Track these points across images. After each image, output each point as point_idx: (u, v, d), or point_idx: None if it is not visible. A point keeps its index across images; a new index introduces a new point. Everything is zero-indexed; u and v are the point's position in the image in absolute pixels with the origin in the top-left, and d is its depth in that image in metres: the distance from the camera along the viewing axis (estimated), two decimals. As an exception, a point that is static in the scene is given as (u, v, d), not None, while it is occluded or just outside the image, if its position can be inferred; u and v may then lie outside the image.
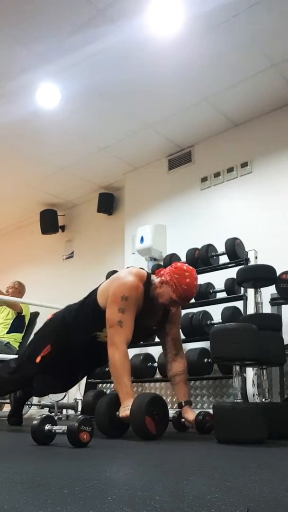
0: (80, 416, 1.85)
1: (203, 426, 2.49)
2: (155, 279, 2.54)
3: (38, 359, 2.63)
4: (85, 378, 4.14)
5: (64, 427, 1.84)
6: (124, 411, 2.21)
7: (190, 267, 2.55)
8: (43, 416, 1.93)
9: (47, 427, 1.89)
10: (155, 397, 2.26)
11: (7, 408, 5.00)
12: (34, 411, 5.18)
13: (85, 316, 2.62)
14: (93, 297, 2.62)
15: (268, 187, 4.07)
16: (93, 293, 2.66)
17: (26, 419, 3.40)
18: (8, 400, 4.67)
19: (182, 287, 2.43)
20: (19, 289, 5.41)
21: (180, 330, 3.64)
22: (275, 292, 3.31)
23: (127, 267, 2.63)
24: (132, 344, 2.63)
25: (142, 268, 2.69)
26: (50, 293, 5.82)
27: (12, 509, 0.83)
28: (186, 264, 2.58)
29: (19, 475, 1.24)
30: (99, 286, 2.68)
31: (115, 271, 4.41)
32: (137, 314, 2.46)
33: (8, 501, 0.89)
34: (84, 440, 1.81)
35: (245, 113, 4.21)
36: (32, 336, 3.12)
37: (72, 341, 2.64)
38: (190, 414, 2.55)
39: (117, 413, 2.26)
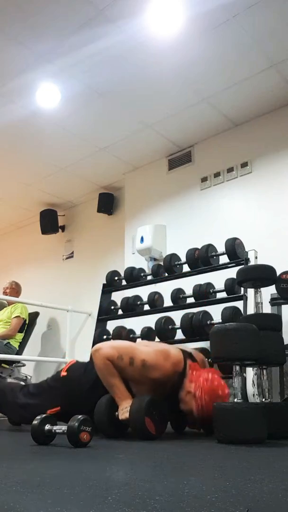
0: (80, 416, 1.85)
1: None
2: (188, 374, 2.44)
3: (48, 412, 2.48)
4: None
5: (64, 427, 1.84)
6: (123, 413, 2.21)
7: (225, 391, 2.41)
8: (43, 416, 1.93)
9: (47, 427, 1.89)
10: (154, 398, 2.26)
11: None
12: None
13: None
14: None
15: (268, 187, 4.07)
16: None
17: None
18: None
19: (208, 410, 2.29)
20: (16, 289, 5.41)
21: (182, 332, 3.66)
22: (275, 292, 3.31)
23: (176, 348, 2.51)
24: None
25: (182, 350, 2.60)
26: (50, 293, 5.82)
27: (11, 509, 0.83)
28: (222, 384, 2.44)
29: (19, 475, 1.24)
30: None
31: (115, 271, 4.43)
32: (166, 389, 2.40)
33: (8, 501, 0.89)
34: (84, 440, 1.81)
35: (245, 113, 4.21)
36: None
37: (83, 407, 2.44)
38: None
39: (116, 413, 2.26)
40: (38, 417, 1.93)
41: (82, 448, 1.80)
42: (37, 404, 2.65)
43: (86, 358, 3.57)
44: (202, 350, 3.43)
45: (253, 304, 3.27)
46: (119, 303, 4.29)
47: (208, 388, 2.36)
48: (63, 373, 2.70)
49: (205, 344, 3.54)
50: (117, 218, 5.51)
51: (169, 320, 3.80)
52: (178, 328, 3.75)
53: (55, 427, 1.89)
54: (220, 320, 3.43)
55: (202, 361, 2.76)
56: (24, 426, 3.08)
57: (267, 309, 3.45)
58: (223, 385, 2.44)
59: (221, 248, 3.67)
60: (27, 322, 5.11)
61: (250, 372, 2.99)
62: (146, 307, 4.07)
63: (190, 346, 3.71)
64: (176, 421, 2.73)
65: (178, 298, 3.85)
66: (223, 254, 3.66)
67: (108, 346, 2.41)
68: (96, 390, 2.48)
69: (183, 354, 2.54)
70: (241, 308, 3.40)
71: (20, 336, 5.03)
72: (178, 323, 3.72)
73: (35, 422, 1.90)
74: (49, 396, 2.66)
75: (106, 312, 4.31)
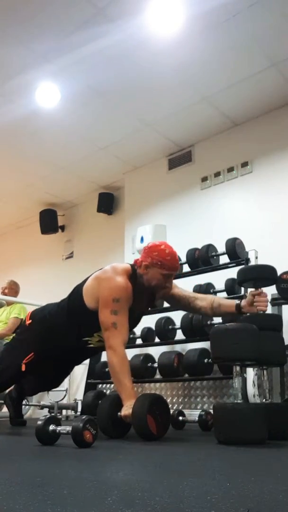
0: (84, 417, 1.85)
1: None
2: (138, 268, 2.53)
3: (23, 368, 2.57)
4: (85, 379, 4.14)
5: (68, 428, 1.84)
6: (126, 409, 2.20)
7: (161, 241, 2.60)
8: (48, 416, 1.93)
9: (52, 427, 1.89)
10: (158, 397, 2.26)
11: (6, 408, 4.99)
12: (31, 411, 5.17)
13: (75, 322, 2.54)
14: (78, 299, 2.54)
15: (269, 187, 4.07)
16: (77, 293, 2.58)
17: (28, 420, 3.39)
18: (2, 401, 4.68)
19: (166, 259, 2.47)
20: (14, 289, 5.38)
21: (182, 332, 3.66)
22: (276, 292, 3.31)
23: (112, 265, 2.58)
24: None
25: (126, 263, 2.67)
26: (50, 293, 5.78)
27: (11, 509, 0.82)
28: (156, 241, 2.60)
29: (19, 475, 1.23)
30: (81, 285, 2.61)
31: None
32: (130, 308, 2.44)
33: (8, 502, 0.89)
34: (89, 440, 1.81)
35: (246, 112, 4.21)
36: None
37: (58, 347, 2.57)
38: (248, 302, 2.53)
39: (119, 413, 2.26)
40: (42, 417, 1.93)
41: (85, 448, 1.79)
42: (9, 362, 2.67)
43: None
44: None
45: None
46: (119, 303, 4.27)
47: (148, 250, 2.51)
48: (28, 321, 2.75)
49: (205, 345, 3.54)
50: (117, 218, 5.51)
51: (169, 320, 3.80)
52: (178, 328, 3.74)
53: (59, 428, 1.89)
54: (221, 320, 3.42)
55: None
56: (28, 427, 3.07)
57: (267, 309, 3.44)
58: (158, 241, 2.62)
59: (221, 248, 3.66)
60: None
61: (250, 373, 2.99)
62: (146, 307, 4.05)
63: (190, 346, 3.71)
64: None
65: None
66: (223, 254, 3.65)
67: (119, 343, 2.38)
68: (71, 329, 2.53)
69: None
70: (241, 308, 3.39)
71: (20, 336, 5.01)
72: (178, 323, 3.71)
73: (39, 422, 1.90)
74: (19, 349, 2.69)
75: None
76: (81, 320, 2.52)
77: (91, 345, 2.54)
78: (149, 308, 2.76)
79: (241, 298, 3.42)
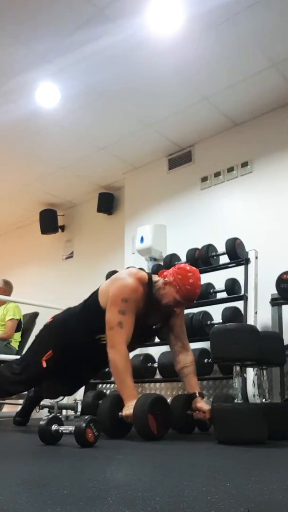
0: (87, 417, 1.85)
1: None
2: (158, 280, 2.53)
3: (43, 364, 2.60)
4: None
5: (71, 427, 1.84)
6: (128, 409, 2.20)
7: (194, 268, 2.54)
8: (50, 416, 1.94)
9: (54, 427, 1.90)
10: (160, 398, 2.26)
11: (6, 409, 4.99)
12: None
13: (88, 319, 2.59)
14: (94, 299, 2.59)
15: (269, 187, 4.07)
16: (94, 294, 2.63)
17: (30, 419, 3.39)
18: (7, 401, 4.68)
19: (186, 287, 2.43)
20: (4, 289, 5.29)
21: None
22: (276, 292, 3.31)
23: (127, 267, 2.61)
24: (135, 345, 2.61)
25: (142, 269, 2.68)
26: (50, 294, 5.81)
27: (11, 510, 0.82)
28: (189, 265, 2.57)
29: (20, 475, 1.23)
30: (99, 287, 2.66)
31: (115, 271, 4.40)
32: (139, 315, 2.44)
33: (8, 502, 0.89)
34: (91, 440, 1.81)
35: (246, 112, 4.20)
36: (33, 338, 3.06)
37: (74, 345, 2.60)
38: (205, 404, 2.51)
39: (120, 413, 2.25)
40: (45, 417, 1.94)
41: (86, 448, 1.79)
42: (30, 360, 2.74)
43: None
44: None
45: (253, 304, 3.27)
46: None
47: (176, 270, 2.48)
48: (49, 320, 2.83)
49: (206, 345, 3.54)
50: (117, 218, 5.50)
51: (169, 320, 3.78)
52: (178, 328, 3.73)
53: (61, 428, 1.90)
54: (221, 320, 3.42)
55: None
56: (30, 426, 3.07)
57: (267, 309, 3.45)
58: (189, 265, 2.58)
59: (221, 248, 3.66)
60: (21, 320, 5.08)
61: (250, 373, 2.99)
62: (146, 307, 4.05)
63: (190, 347, 3.70)
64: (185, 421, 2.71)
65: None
66: (223, 254, 3.66)
67: (122, 342, 2.39)
68: (83, 326, 2.58)
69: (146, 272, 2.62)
70: (242, 309, 3.40)
71: (18, 336, 5.01)
72: (178, 323, 3.70)
73: (42, 422, 1.91)
74: (39, 346, 2.76)
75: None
76: (95, 318, 2.53)
77: (104, 342, 2.50)
78: (162, 326, 2.70)
79: (241, 298, 3.42)
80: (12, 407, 4.89)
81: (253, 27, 3.27)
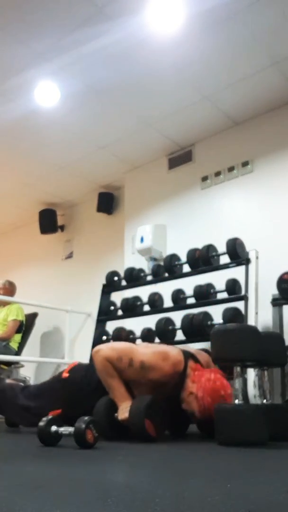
0: (86, 418, 1.85)
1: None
2: (190, 374, 2.42)
3: (49, 415, 2.52)
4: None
5: (70, 429, 1.84)
6: (123, 413, 2.19)
7: (228, 391, 2.38)
8: (49, 418, 1.93)
9: (53, 428, 1.89)
10: (154, 399, 2.24)
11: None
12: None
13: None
14: None
15: (270, 187, 4.05)
16: None
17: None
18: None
19: (210, 411, 2.28)
20: (10, 289, 5.34)
21: (182, 333, 3.64)
22: (276, 292, 3.30)
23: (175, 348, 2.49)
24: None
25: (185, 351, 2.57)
26: (49, 294, 5.81)
27: (11, 511, 0.82)
28: (224, 384, 2.42)
29: (20, 476, 1.23)
30: None
31: (115, 272, 4.40)
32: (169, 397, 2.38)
33: (8, 503, 0.88)
34: (90, 441, 1.81)
35: (246, 111, 4.19)
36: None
37: (86, 410, 2.37)
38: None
39: (116, 415, 2.24)
40: (44, 418, 1.93)
41: (86, 449, 1.78)
42: (39, 406, 2.62)
43: (86, 359, 3.55)
44: (206, 351, 3.41)
45: (254, 305, 3.26)
46: (119, 304, 4.27)
47: (210, 388, 2.34)
48: (65, 374, 2.67)
49: (206, 345, 3.52)
50: (117, 218, 5.49)
51: (170, 321, 3.78)
52: (178, 329, 3.73)
53: (61, 429, 1.89)
54: (221, 321, 3.41)
55: (206, 362, 2.72)
56: (22, 427, 3.06)
57: (268, 310, 3.44)
58: (225, 385, 2.41)
59: (222, 248, 3.65)
60: (24, 322, 5.08)
61: (251, 373, 2.98)
62: (146, 308, 4.05)
63: (192, 347, 3.70)
64: (177, 425, 2.70)
65: (179, 298, 3.83)
66: (224, 254, 3.64)
67: (108, 348, 2.40)
68: (98, 392, 2.45)
69: (184, 354, 2.51)
70: (242, 309, 3.39)
71: (18, 337, 5.01)
72: (178, 323, 3.70)
73: (41, 423, 1.90)
74: (50, 398, 2.62)
75: (105, 312, 4.28)
76: None
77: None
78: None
79: (241, 298, 3.41)
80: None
81: (253, 26, 3.26)
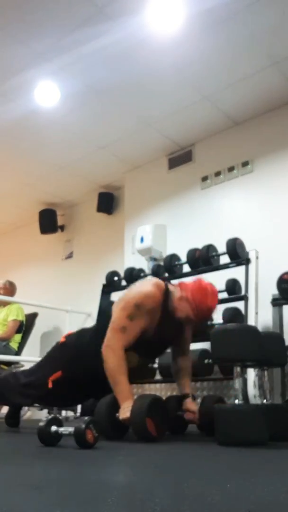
0: (86, 418, 1.85)
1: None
2: (175, 291, 2.47)
3: (49, 384, 2.53)
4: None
5: (71, 429, 1.83)
6: (124, 413, 2.18)
7: (214, 288, 2.49)
8: (50, 417, 1.93)
9: (53, 428, 1.89)
10: (156, 398, 2.24)
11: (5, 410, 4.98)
12: (30, 413, 5.16)
13: (101, 342, 2.43)
14: (107, 317, 2.48)
15: (270, 187, 4.06)
16: (106, 312, 2.56)
17: (28, 421, 3.38)
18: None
19: (202, 308, 2.40)
20: (10, 289, 5.33)
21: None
22: (277, 292, 3.30)
23: (147, 279, 2.55)
24: (149, 360, 2.54)
25: (163, 279, 2.63)
26: (49, 294, 5.80)
27: (11, 511, 0.81)
28: (210, 283, 2.50)
29: (19, 476, 1.23)
30: (110, 303, 2.59)
31: (115, 272, 4.40)
32: (155, 327, 2.39)
33: (7, 503, 0.88)
34: (90, 441, 1.80)
35: (246, 111, 4.19)
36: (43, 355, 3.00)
37: (86, 369, 2.51)
38: (194, 405, 2.51)
39: (117, 414, 2.24)
40: (44, 418, 1.93)
41: (86, 449, 1.78)
42: (40, 376, 2.65)
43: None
44: (206, 351, 3.41)
45: (254, 305, 3.26)
46: (118, 304, 4.25)
47: (197, 288, 2.43)
48: (62, 339, 2.73)
49: (206, 345, 3.52)
50: (117, 218, 5.49)
51: (169, 321, 3.77)
52: (178, 329, 3.72)
53: (61, 429, 1.89)
54: (221, 321, 3.41)
55: None
56: (22, 427, 3.06)
57: (268, 310, 3.44)
58: (210, 283, 2.50)
59: (222, 248, 3.65)
60: (24, 322, 5.08)
61: (251, 373, 2.97)
62: (146, 307, 4.03)
63: (191, 347, 3.69)
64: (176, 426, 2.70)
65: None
66: (224, 254, 3.64)
67: (120, 347, 2.34)
68: (95, 349, 2.45)
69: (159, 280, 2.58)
70: (242, 309, 3.38)
71: (18, 337, 5.00)
72: (178, 323, 3.69)
73: (41, 423, 1.90)
74: (50, 366, 2.66)
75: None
76: None
77: None
78: (175, 340, 2.67)
79: (242, 298, 3.41)
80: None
81: (253, 26, 3.26)
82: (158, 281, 2.51)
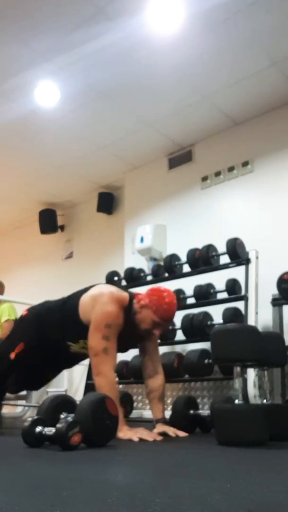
0: (68, 418, 1.78)
1: None
2: (136, 303, 2.52)
3: (12, 356, 2.59)
4: (85, 379, 4.12)
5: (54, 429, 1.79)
6: (125, 435, 2.19)
7: (167, 288, 2.59)
8: (34, 418, 1.89)
9: (38, 429, 1.85)
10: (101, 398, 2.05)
11: (5, 410, 4.98)
12: (30, 412, 5.15)
13: (64, 325, 2.59)
14: (73, 308, 2.56)
15: (270, 186, 4.06)
16: (75, 300, 2.60)
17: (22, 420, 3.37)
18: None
19: (163, 307, 2.46)
20: None
21: (182, 333, 3.64)
22: (276, 292, 3.29)
23: (111, 290, 2.55)
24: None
25: (125, 290, 2.67)
26: (49, 294, 5.74)
27: (11, 511, 0.81)
28: (162, 286, 2.61)
29: (17, 477, 1.22)
30: (80, 295, 2.61)
31: (115, 272, 4.40)
32: (119, 337, 2.44)
33: (7, 504, 0.87)
34: (75, 443, 1.75)
35: (246, 111, 4.19)
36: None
37: (44, 343, 2.60)
38: (166, 428, 2.51)
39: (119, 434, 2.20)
40: (30, 419, 1.90)
41: (86, 449, 1.77)
42: (2, 353, 2.69)
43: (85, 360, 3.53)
44: (206, 351, 3.41)
45: (254, 305, 3.26)
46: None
47: (151, 292, 2.53)
48: (24, 313, 2.80)
49: (206, 345, 3.52)
50: (117, 218, 5.49)
51: (169, 321, 3.77)
52: (178, 329, 3.73)
53: (45, 429, 1.85)
54: (221, 321, 3.41)
55: None
56: (13, 429, 3.03)
57: (268, 310, 3.44)
58: (164, 287, 2.61)
59: (222, 248, 3.65)
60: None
61: (251, 373, 2.97)
62: (146, 308, 4.04)
63: (191, 347, 3.69)
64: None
65: (179, 298, 3.83)
66: (224, 254, 3.64)
67: (109, 370, 2.36)
68: (58, 329, 2.58)
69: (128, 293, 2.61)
70: (242, 309, 3.38)
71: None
72: (178, 323, 3.70)
73: (25, 424, 1.87)
74: (11, 340, 2.74)
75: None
76: (71, 325, 2.55)
77: (71, 349, 2.58)
78: (131, 346, 2.79)
79: (242, 298, 3.41)
80: (11, 408, 4.87)
81: (253, 26, 3.26)
82: (120, 296, 2.50)
